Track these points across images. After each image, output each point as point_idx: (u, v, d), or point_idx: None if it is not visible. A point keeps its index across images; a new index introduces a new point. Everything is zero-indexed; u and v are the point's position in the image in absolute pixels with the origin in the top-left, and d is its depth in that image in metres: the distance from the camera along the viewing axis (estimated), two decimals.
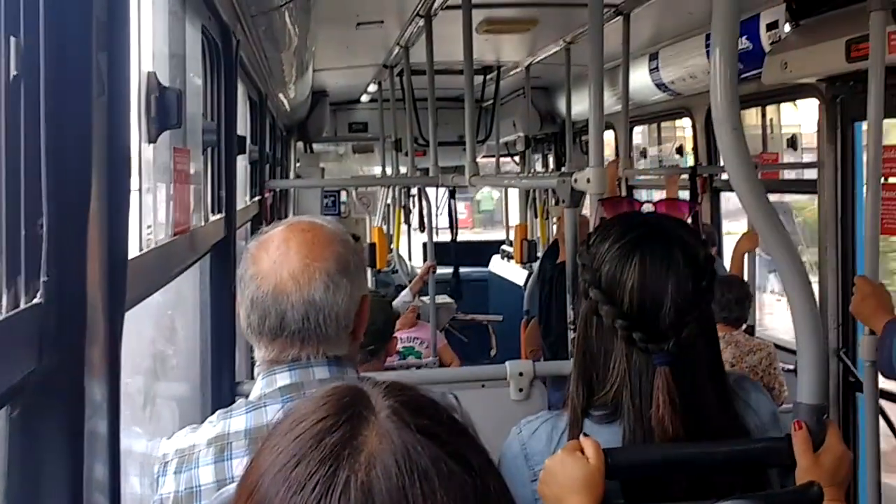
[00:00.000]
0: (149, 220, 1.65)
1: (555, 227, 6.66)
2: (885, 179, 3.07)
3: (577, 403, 1.49)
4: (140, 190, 1.61)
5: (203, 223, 2.29)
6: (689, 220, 4.47)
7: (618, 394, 1.45)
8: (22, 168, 0.90)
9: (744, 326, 3.99)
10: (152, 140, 1.58)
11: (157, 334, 2.36)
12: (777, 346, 4.29)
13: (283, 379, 1.47)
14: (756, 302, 4.60)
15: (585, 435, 1.44)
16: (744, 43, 3.66)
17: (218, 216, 2.50)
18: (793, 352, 4.07)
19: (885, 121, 2.70)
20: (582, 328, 1.51)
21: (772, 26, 3.57)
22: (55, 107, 0.92)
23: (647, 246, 1.46)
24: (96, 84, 0.97)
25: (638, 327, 1.42)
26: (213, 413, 1.53)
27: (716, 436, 1.45)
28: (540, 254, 7.08)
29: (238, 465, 1.41)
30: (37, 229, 0.90)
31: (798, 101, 4.57)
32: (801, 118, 5.00)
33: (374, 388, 0.76)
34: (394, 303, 4.84)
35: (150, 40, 1.69)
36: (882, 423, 3.24)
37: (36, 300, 0.89)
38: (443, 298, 6.35)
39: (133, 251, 1.42)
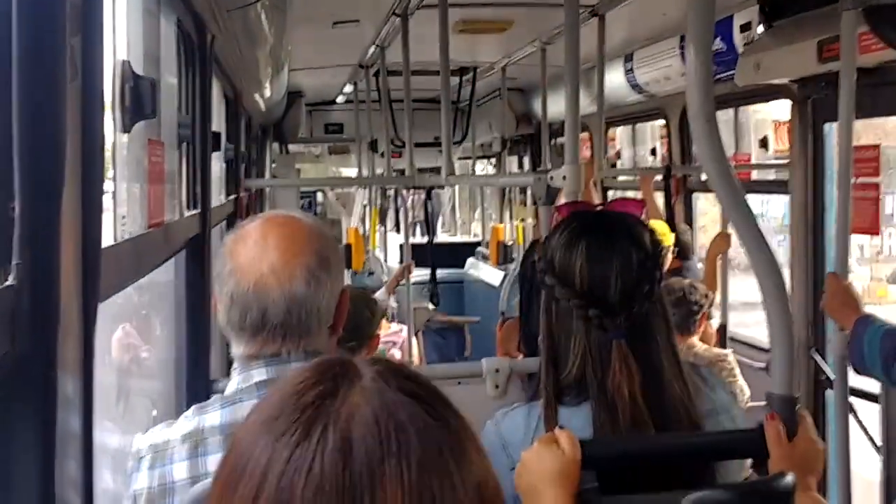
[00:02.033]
0: (123, 211, 1.64)
1: (532, 227, 6.69)
2: (855, 179, 3.11)
3: (548, 385, 1.55)
4: (115, 179, 1.60)
5: (178, 218, 2.27)
6: (665, 221, 4.51)
7: (580, 370, 1.53)
8: None
9: (707, 332, 3.96)
10: (126, 130, 1.56)
11: (133, 330, 2.34)
12: (750, 346, 4.32)
13: (259, 375, 1.46)
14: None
15: (561, 427, 1.46)
16: (717, 44, 3.69)
17: (193, 212, 2.49)
18: (765, 350, 4.11)
19: (855, 121, 2.73)
20: (545, 314, 1.59)
21: (745, 28, 3.61)
22: (28, 89, 0.91)
23: (592, 230, 1.58)
24: (70, 67, 0.96)
25: (591, 305, 1.52)
26: (187, 409, 1.52)
27: (674, 404, 1.52)
28: (515, 255, 7.11)
29: (212, 462, 1.40)
30: (8, 212, 0.89)
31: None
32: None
33: (359, 360, 0.78)
34: None
35: (125, 31, 1.68)
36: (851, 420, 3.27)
37: (8, 282, 0.88)
38: (419, 301, 6.34)
39: (107, 240, 1.41)
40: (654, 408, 1.50)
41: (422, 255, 6.56)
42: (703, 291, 3.78)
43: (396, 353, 5.50)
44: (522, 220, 7.37)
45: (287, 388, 0.75)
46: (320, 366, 0.77)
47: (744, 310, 4.75)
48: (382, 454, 0.68)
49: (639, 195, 5.27)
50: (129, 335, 2.38)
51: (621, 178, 6.45)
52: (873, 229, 3.21)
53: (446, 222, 14.87)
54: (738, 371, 3.68)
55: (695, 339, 3.72)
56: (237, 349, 1.49)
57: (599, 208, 1.92)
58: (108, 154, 1.51)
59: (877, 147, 3.24)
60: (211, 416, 1.45)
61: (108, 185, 1.53)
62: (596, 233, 1.57)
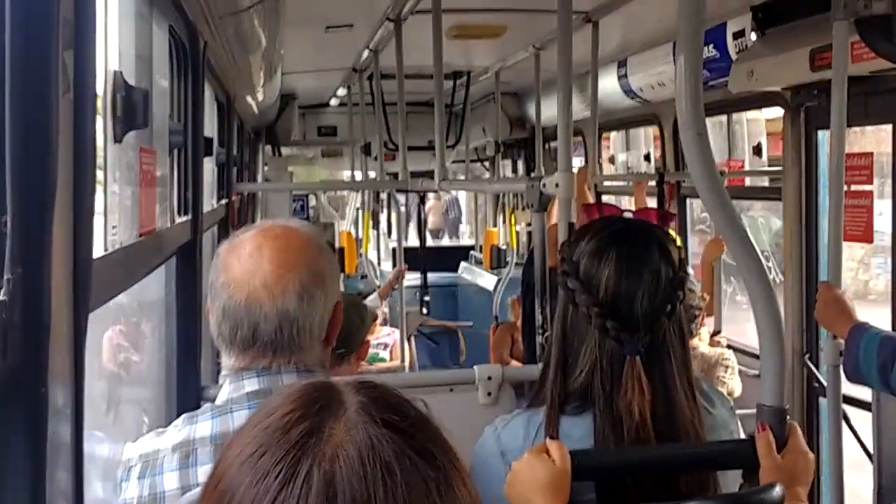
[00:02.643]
0: (114, 220, 1.63)
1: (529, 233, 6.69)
2: (848, 187, 3.12)
3: (555, 390, 1.53)
4: (105, 189, 1.59)
5: (169, 225, 2.27)
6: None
7: (587, 380, 1.50)
8: None
9: (705, 336, 4.01)
10: (118, 140, 1.56)
11: (122, 337, 2.33)
12: (741, 352, 4.33)
13: (250, 385, 1.45)
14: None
15: (553, 437, 1.45)
16: (710, 51, 3.70)
17: (184, 218, 2.48)
18: (757, 356, 4.11)
19: (847, 129, 2.74)
20: (560, 318, 1.55)
21: (738, 35, 3.61)
22: (20, 103, 0.91)
23: (624, 240, 1.53)
24: (62, 81, 0.96)
25: (611, 316, 1.48)
26: (178, 417, 1.51)
27: (684, 424, 1.50)
28: (509, 259, 7.10)
29: (203, 472, 1.39)
30: (1, 226, 0.89)
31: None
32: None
33: (345, 385, 0.77)
34: None
35: (116, 39, 1.67)
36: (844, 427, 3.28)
37: (0, 297, 0.88)
38: (411, 306, 6.33)
39: (98, 251, 1.40)
40: (663, 429, 1.47)
41: (416, 259, 6.56)
42: (699, 294, 3.83)
43: (386, 356, 5.49)
44: (520, 223, 7.37)
45: (272, 422, 0.73)
46: (304, 395, 0.75)
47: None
48: (368, 497, 0.67)
49: (632, 200, 5.29)
50: (119, 337, 2.37)
51: (614, 182, 6.46)
52: (866, 237, 3.22)
53: (475, 230, 14.51)
54: (735, 370, 3.74)
55: (696, 341, 3.79)
56: (227, 361, 1.48)
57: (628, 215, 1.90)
58: (99, 162, 1.50)
59: (869, 155, 3.25)
60: (201, 426, 1.44)
61: (98, 194, 1.52)
62: (628, 244, 1.52)
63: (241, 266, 1.44)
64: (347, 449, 0.70)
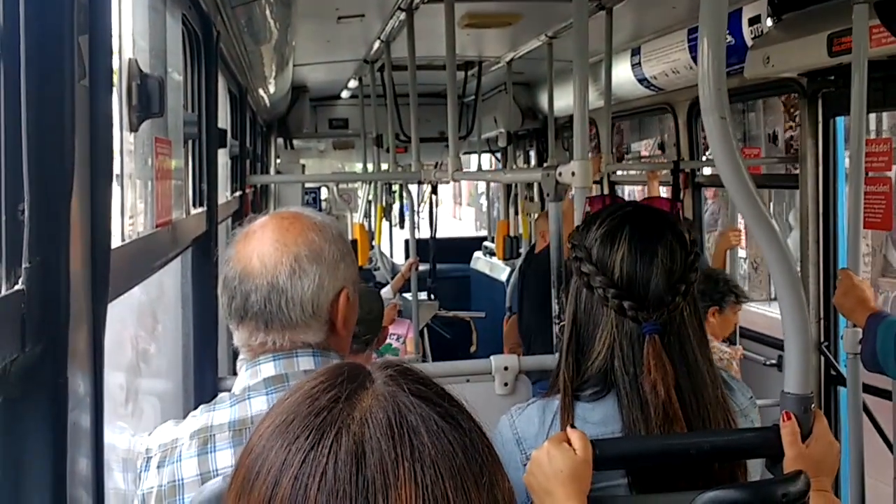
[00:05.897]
0: (130, 210, 1.62)
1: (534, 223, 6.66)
2: (867, 174, 3.09)
3: (567, 376, 1.53)
4: (122, 179, 1.59)
5: (185, 216, 2.26)
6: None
7: (604, 363, 1.50)
8: (2, 152, 0.87)
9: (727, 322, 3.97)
10: (134, 129, 1.55)
11: (139, 329, 2.33)
12: (762, 342, 4.29)
13: (267, 370, 1.45)
14: None
15: (573, 426, 1.44)
16: (726, 37, 3.66)
17: (199, 210, 2.48)
18: (777, 346, 4.06)
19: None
20: (573, 304, 1.56)
21: (754, 20, 3.58)
22: (36, 90, 0.90)
23: (636, 221, 1.54)
24: (78, 67, 0.95)
25: (628, 297, 1.49)
26: (195, 408, 1.51)
27: (710, 400, 1.50)
28: (522, 249, 7.09)
29: (221, 458, 1.39)
30: (18, 215, 0.88)
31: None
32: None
33: (371, 364, 0.79)
34: None
35: (131, 28, 1.66)
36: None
37: (18, 286, 0.87)
38: (424, 297, 6.34)
39: (115, 241, 1.40)
40: (691, 408, 1.47)
41: (428, 250, 6.57)
42: (722, 289, 3.73)
43: (399, 348, 5.49)
44: (528, 214, 7.35)
45: (301, 393, 0.76)
46: (333, 371, 0.78)
47: None
48: (396, 457, 0.69)
49: (645, 190, 5.26)
50: (138, 333, 2.37)
51: (628, 171, 6.42)
52: (885, 225, 3.18)
53: None
54: (734, 370, 3.65)
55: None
56: (234, 336, 1.51)
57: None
58: (115, 151, 1.49)
59: (888, 140, 3.21)
60: (220, 413, 1.44)
61: (115, 184, 1.51)
62: (640, 225, 1.54)
63: (244, 243, 1.48)
64: (376, 413, 0.72)
